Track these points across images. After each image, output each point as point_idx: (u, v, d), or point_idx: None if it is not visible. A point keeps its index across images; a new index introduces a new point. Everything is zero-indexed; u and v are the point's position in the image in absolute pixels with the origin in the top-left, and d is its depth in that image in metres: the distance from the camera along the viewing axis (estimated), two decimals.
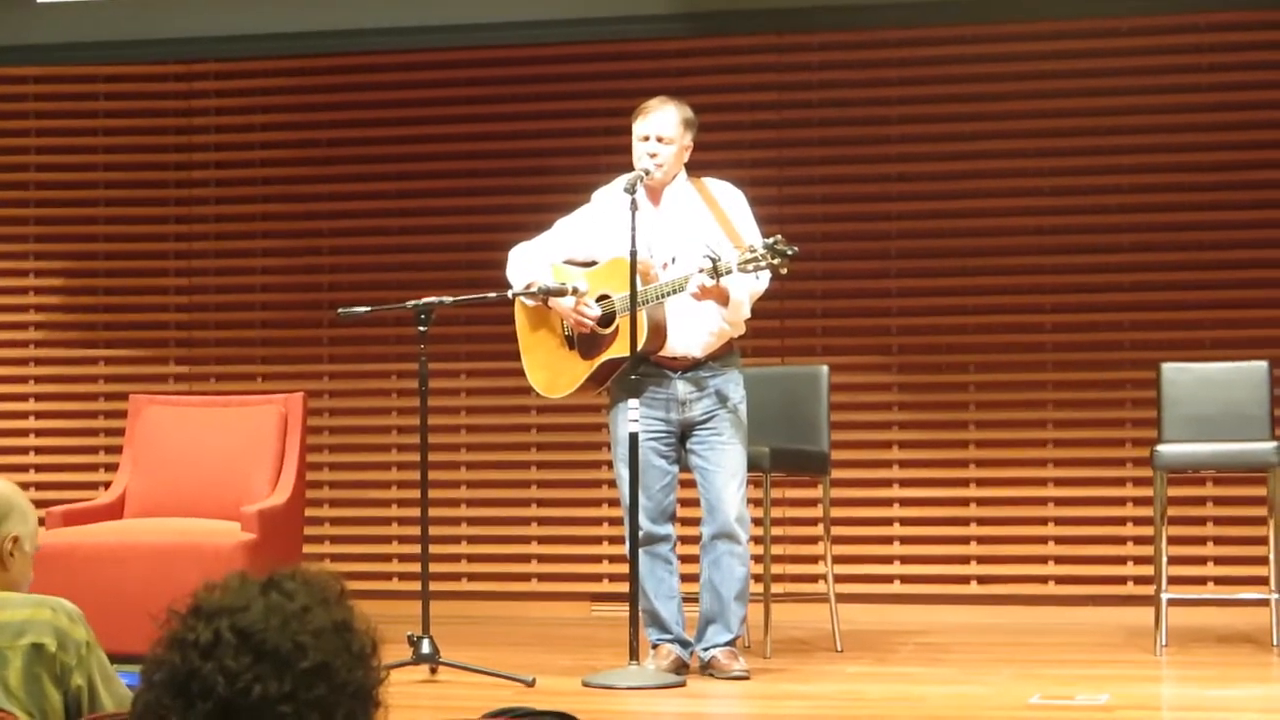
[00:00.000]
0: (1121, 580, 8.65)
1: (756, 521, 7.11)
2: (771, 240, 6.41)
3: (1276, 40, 8.68)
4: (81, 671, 3.36)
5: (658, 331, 6.65)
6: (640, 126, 6.79)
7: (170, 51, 9.10)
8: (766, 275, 6.57)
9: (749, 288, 6.64)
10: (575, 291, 6.71)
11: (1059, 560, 8.74)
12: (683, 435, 6.79)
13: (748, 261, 6.40)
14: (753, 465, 6.95)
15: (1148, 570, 8.05)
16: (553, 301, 6.78)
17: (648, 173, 6.68)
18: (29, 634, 3.35)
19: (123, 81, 9.71)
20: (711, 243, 6.52)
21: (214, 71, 9.65)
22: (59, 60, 9.21)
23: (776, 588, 7.97)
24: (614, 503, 8.21)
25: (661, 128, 6.76)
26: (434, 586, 6.88)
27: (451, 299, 6.92)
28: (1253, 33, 8.69)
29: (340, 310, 7.11)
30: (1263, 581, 7.67)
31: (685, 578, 6.86)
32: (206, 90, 9.69)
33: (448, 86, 9.46)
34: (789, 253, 6.39)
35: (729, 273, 6.43)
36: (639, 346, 6.56)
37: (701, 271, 6.44)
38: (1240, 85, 8.70)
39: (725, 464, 6.72)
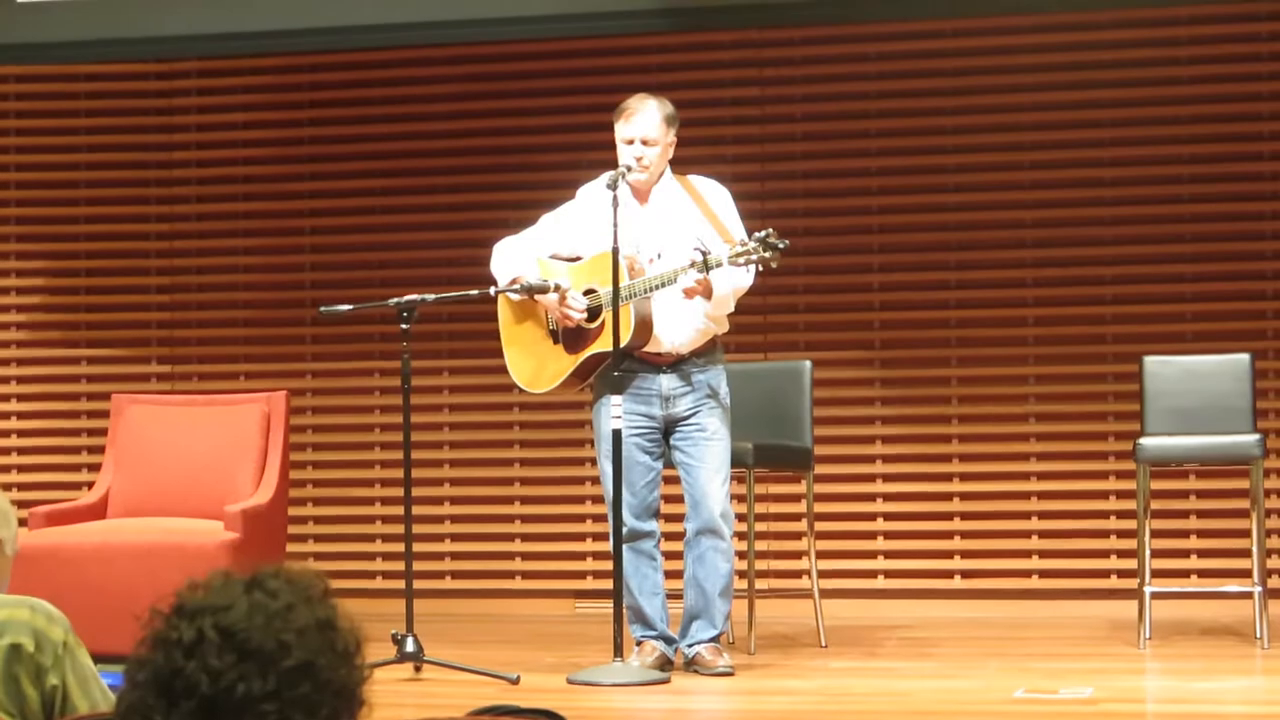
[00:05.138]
0: (1105, 574, 8.66)
1: (740, 517, 7.11)
2: (763, 233, 6.42)
3: (1256, 33, 8.70)
4: (56, 672, 3.35)
5: (644, 326, 6.65)
6: (624, 129, 6.78)
7: (151, 50, 9.08)
8: (752, 271, 6.58)
9: (734, 283, 6.64)
10: (558, 289, 6.71)
11: (1043, 554, 8.75)
12: (667, 431, 6.79)
13: (739, 255, 6.41)
14: (736, 461, 6.95)
15: (1131, 564, 8.06)
16: (538, 295, 6.78)
17: (629, 169, 6.68)
18: (7, 634, 3.34)
19: (103, 80, 9.69)
20: (700, 237, 6.53)
21: (195, 70, 9.64)
22: (39, 59, 9.19)
23: (761, 583, 7.97)
24: (597, 499, 8.21)
25: (645, 129, 6.74)
26: (418, 584, 6.87)
27: (434, 296, 6.91)
28: (1232, 25, 8.71)
29: (322, 309, 7.10)
30: (1246, 574, 7.68)
31: (669, 574, 6.87)
32: (188, 89, 9.68)
33: (429, 83, 9.46)
34: (780, 246, 6.40)
35: (719, 266, 6.44)
36: (624, 341, 6.56)
37: (692, 265, 6.44)
38: (1220, 78, 8.71)
39: (709, 459, 6.72)
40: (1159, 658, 7.15)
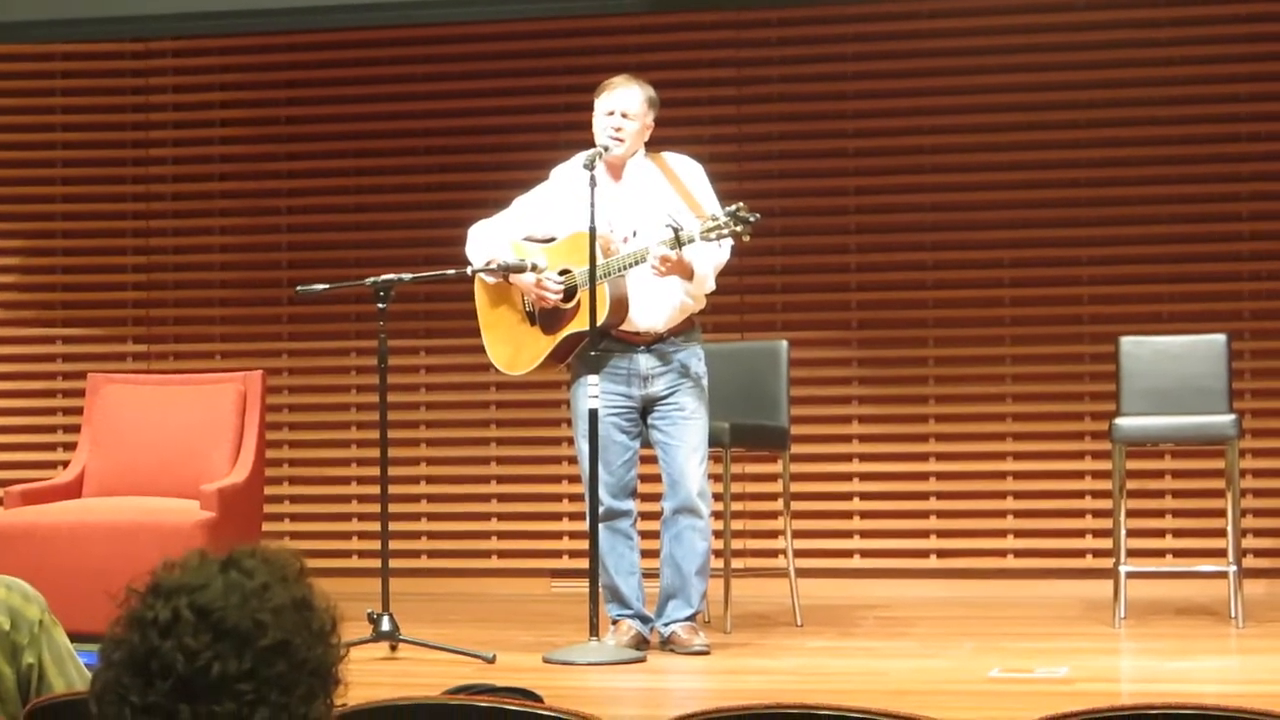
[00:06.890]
0: (1080, 553, 8.67)
1: (717, 497, 7.11)
2: (734, 208, 6.43)
3: (1236, 14, 8.70)
4: (32, 651, 3.35)
5: (619, 305, 6.64)
6: (604, 101, 6.79)
7: (127, 29, 9.05)
8: (729, 244, 6.59)
9: (713, 259, 6.65)
10: (535, 268, 6.71)
11: (1018, 534, 8.76)
12: (644, 410, 6.80)
13: (710, 230, 6.42)
14: (713, 441, 6.95)
15: (1106, 543, 8.08)
16: (514, 277, 6.78)
17: (606, 149, 6.68)
18: None
19: (79, 60, 9.65)
20: (673, 213, 6.54)
21: (171, 49, 9.61)
22: (14, 39, 9.14)
23: (737, 563, 7.98)
24: (574, 479, 8.21)
25: (626, 104, 6.76)
26: (394, 564, 6.88)
27: (410, 276, 6.90)
28: (1212, 7, 8.71)
29: (299, 288, 7.09)
30: (1221, 554, 7.69)
31: (646, 553, 6.87)
32: (164, 68, 9.65)
33: (406, 63, 9.44)
34: (751, 220, 6.41)
35: (691, 241, 6.44)
36: (600, 320, 6.56)
37: (662, 242, 6.45)
38: (1199, 59, 8.72)
39: (687, 438, 6.73)
40: (1134, 637, 7.17)
